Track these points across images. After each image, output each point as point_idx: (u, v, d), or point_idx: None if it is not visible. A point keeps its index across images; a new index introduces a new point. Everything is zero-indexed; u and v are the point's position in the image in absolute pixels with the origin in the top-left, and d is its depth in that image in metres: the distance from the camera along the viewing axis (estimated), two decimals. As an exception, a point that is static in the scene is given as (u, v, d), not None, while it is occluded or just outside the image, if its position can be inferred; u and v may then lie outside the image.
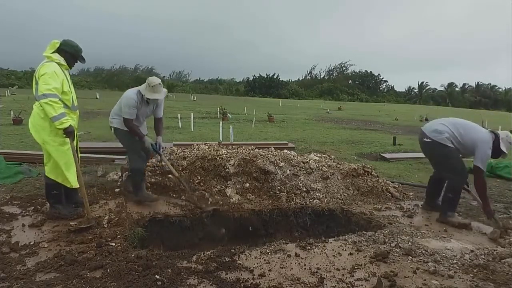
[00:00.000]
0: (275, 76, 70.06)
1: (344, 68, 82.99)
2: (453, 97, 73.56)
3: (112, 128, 4.25)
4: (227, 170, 4.81)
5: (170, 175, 4.66)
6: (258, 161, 4.89)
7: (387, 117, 26.13)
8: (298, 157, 5.29)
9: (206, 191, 4.48)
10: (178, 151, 5.40)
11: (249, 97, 57.35)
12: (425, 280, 2.65)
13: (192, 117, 13.42)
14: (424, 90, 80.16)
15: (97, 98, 31.72)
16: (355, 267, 2.82)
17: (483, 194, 3.94)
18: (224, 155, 5.02)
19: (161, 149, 4.38)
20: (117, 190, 4.64)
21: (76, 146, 3.87)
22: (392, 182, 5.46)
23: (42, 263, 2.70)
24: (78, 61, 3.80)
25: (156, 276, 2.52)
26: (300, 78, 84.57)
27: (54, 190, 3.67)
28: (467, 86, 78.63)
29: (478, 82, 77.92)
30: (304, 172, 4.94)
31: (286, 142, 9.76)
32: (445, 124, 4.18)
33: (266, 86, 67.92)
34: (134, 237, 3.40)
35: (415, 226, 3.85)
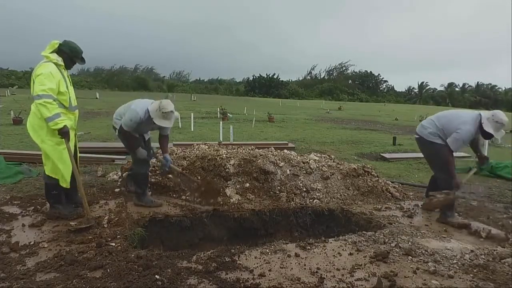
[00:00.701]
0: (275, 76, 70.15)
1: (344, 68, 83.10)
2: (453, 97, 73.51)
3: (116, 130, 4.19)
4: (227, 170, 4.81)
5: (170, 175, 4.67)
6: (258, 161, 4.89)
7: (387, 117, 26.14)
8: (298, 157, 5.29)
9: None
10: (178, 151, 5.40)
11: (249, 97, 57.36)
12: (425, 280, 2.65)
13: (192, 117, 13.42)
14: (424, 90, 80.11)
15: (97, 98, 31.72)
16: (355, 267, 2.81)
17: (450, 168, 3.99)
18: (224, 155, 5.02)
19: (170, 162, 4.23)
20: (117, 190, 4.64)
21: (75, 146, 3.88)
22: (392, 182, 5.46)
23: (42, 263, 2.70)
24: (76, 63, 3.79)
25: (156, 276, 2.52)
26: (300, 78, 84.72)
27: (54, 190, 3.67)
28: (467, 86, 78.72)
29: (478, 82, 78.04)
30: (304, 172, 4.94)
31: (286, 142, 9.77)
32: (432, 119, 4.19)
33: (266, 86, 67.95)
34: (134, 237, 3.39)
35: (415, 226, 3.85)
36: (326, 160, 5.44)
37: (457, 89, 78.39)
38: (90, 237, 3.19)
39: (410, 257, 3.01)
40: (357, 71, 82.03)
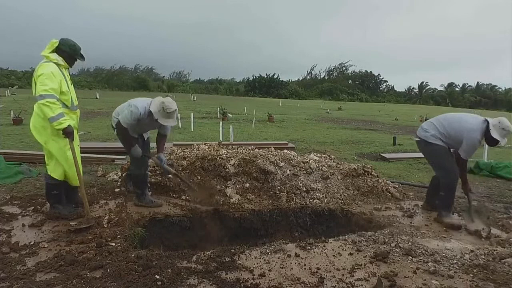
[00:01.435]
0: (275, 76, 70.16)
1: (344, 68, 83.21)
2: (453, 97, 73.50)
3: (114, 129, 4.18)
4: (227, 170, 4.81)
5: (170, 175, 4.66)
6: (258, 161, 4.89)
7: (387, 117, 26.13)
8: (298, 157, 5.29)
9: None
10: (178, 151, 5.40)
11: (249, 97, 57.37)
12: (425, 280, 2.65)
13: (192, 117, 13.42)
14: (424, 90, 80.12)
15: (97, 98, 31.71)
16: (355, 267, 2.81)
17: (463, 175, 4.08)
18: (224, 155, 5.02)
19: (164, 163, 4.20)
20: (117, 190, 4.64)
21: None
22: (392, 182, 5.46)
23: (42, 263, 2.70)
24: (77, 60, 3.78)
25: (156, 276, 2.52)
26: (300, 78, 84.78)
27: (54, 190, 3.67)
28: (467, 86, 78.76)
29: (478, 82, 78.10)
30: (304, 172, 4.94)
31: (286, 142, 9.76)
32: (432, 122, 4.19)
33: (266, 86, 67.97)
34: (134, 237, 3.39)
35: (415, 226, 3.85)
36: (326, 160, 5.44)
37: (457, 89, 78.47)
38: (90, 237, 3.19)
39: (410, 257, 3.01)
40: (357, 71, 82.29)
